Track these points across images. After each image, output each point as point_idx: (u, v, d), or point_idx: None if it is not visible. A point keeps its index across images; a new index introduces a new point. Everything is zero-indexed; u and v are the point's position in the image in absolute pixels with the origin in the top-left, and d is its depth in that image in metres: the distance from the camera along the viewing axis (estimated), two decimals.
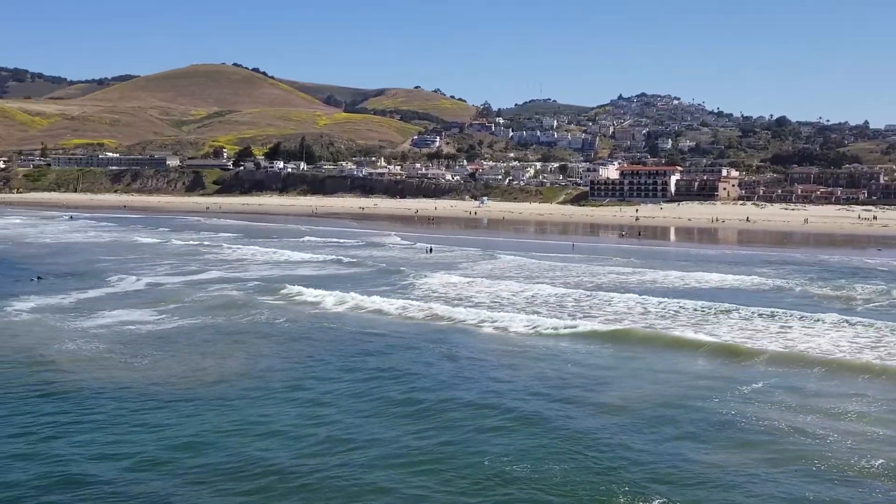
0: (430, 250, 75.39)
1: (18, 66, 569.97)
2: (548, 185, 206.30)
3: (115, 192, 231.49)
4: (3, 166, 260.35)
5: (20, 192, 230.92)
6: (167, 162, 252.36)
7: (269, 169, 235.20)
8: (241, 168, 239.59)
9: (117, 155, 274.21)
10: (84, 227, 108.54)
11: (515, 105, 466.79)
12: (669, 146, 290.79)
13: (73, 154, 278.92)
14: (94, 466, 19.28)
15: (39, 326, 35.49)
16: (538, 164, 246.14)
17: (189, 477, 18.70)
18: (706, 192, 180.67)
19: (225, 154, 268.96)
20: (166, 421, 22.80)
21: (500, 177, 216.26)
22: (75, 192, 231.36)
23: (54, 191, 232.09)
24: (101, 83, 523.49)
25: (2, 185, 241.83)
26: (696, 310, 41.13)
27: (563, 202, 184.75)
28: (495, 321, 38.28)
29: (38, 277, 51.00)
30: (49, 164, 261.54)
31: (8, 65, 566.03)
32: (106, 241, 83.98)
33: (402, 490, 18.10)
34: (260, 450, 20.52)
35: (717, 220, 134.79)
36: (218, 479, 18.56)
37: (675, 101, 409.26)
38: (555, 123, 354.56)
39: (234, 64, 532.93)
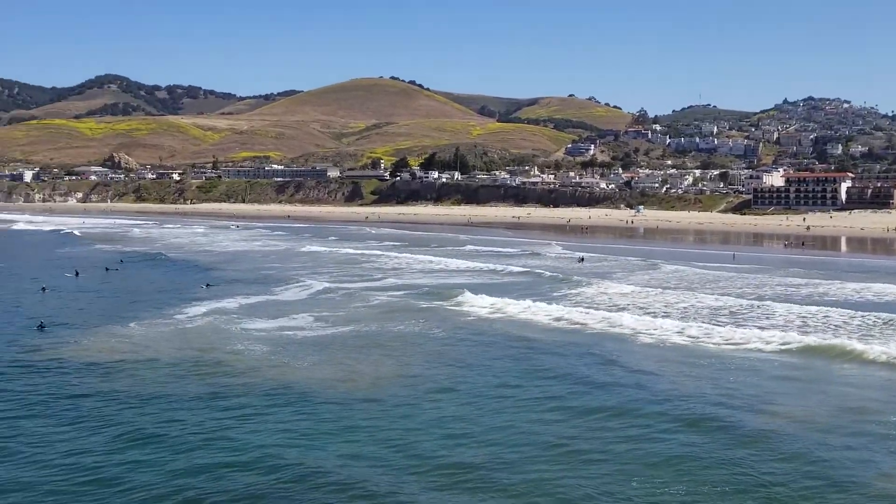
0: (582, 259, 74.19)
1: (193, 83, 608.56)
2: (707, 193, 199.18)
3: (280, 202, 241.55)
4: (178, 179, 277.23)
5: (193, 203, 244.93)
6: (328, 173, 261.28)
7: (424, 179, 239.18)
8: (398, 178, 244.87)
9: (282, 167, 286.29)
10: (251, 236, 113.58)
11: (673, 111, 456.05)
12: (839, 152, 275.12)
13: (241, 166, 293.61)
14: (254, 462, 20.12)
15: (210, 330, 37.17)
16: (697, 172, 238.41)
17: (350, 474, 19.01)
18: (880, 200, 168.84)
19: (382, 165, 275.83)
20: (325, 419, 23.81)
21: (656, 185, 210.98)
22: (243, 202, 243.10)
23: (224, 201, 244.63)
24: (268, 98, 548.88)
25: (177, 197, 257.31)
26: (874, 322, 38.41)
27: (724, 211, 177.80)
28: (653, 330, 37.18)
29: (208, 284, 53.56)
30: (219, 176, 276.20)
31: (183, 82, 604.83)
32: (271, 250, 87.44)
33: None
34: (446, 448, 21.29)
35: (892, 229, 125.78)
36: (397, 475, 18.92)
37: (846, 105, 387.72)
38: (714, 129, 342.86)
39: (392, 77, 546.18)
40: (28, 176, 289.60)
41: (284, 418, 23.99)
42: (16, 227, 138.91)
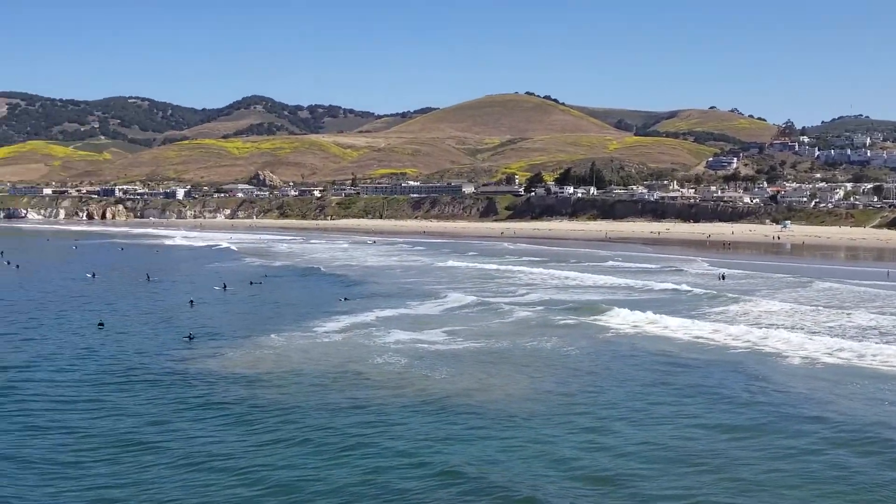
0: (723, 277, 71.31)
1: (333, 103, 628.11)
2: (860, 207, 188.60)
3: (416, 218, 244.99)
4: (319, 195, 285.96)
5: (333, 219, 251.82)
6: (462, 189, 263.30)
7: (559, 194, 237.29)
8: (532, 194, 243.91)
9: (418, 183, 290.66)
10: (388, 251, 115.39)
11: (822, 122, 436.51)
12: None
13: (378, 183, 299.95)
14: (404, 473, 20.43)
15: (348, 343, 37.75)
16: (848, 185, 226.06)
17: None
18: None
19: (516, 180, 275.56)
20: (462, 429, 24.09)
21: (804, 199, 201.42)
22: (380, 218, 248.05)
23: (362, 217, 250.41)
24: (404, 116, 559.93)
25: (318, 213, 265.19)
26: None
27: (878, 226, 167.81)
28: (801, 349, 35.34)
29: (346, 298, 54.47)
30: (358, 193, 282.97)
31: (324, 102, 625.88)
32: (408, 265, 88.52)
33: None
34: (584, 459, 21.24)
35: None
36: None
37: None
38: (867, 141, 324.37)
39: (527, 92, 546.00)
40: (180, 193, 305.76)
41: (423, 427, 24.36)
42: (168, 241, 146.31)
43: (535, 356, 35.26)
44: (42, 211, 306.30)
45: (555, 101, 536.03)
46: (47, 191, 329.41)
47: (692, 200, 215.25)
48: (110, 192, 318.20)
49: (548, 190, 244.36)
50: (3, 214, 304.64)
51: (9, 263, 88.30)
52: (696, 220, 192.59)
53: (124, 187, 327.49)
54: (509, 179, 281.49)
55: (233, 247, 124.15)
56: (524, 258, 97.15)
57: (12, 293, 60.11)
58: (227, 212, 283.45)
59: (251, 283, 67.48)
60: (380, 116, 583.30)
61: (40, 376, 31.60)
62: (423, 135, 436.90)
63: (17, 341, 39.38)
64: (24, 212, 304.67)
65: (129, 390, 29.38)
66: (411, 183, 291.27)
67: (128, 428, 24.68)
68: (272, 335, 39.81)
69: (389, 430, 24.11)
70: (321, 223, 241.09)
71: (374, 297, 56.18)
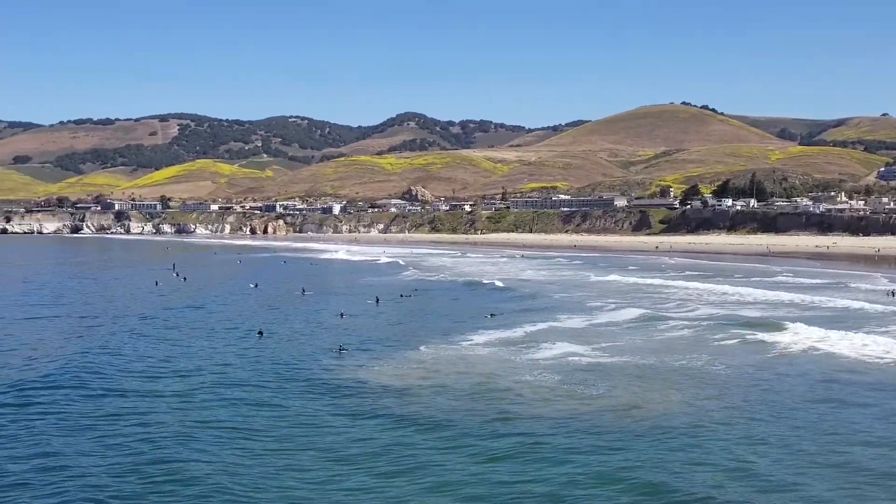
0: (894, 294, 66.19)
1: (484, 117, 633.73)
2: None
3: (566, 232, 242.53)
4: (469, 210, 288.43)
5: (483, 233, 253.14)
6: (614, 202, 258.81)
7: (717, 207, 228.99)
8: (688, 206, 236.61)
9: (568, 197, 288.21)
10: (537, 265, 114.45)
11: None
12: None
13: (529, 197, 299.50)
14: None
15: (495, 357, 37.22)
16: None
17: None
18: None
19: (671, 193, 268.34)
20: (618, 449, 23.17)
21: None
22: (530, 232, 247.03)
23: (512, 231, 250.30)
24: (556, 129, 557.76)
25: (468, 227, 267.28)
26: None
27: None
28: None
29: (492, 314, 53.93)
30: (508, 207, 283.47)
31: (475, 117, 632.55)
32: (557, 278, 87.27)
33: None
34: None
35: None
36: None
37: None
38: None
39: (683, 102, 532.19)
40: (336, 209, 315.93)
41: (573, 444, 23.63)
42: (324, 255, 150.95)
43: (703, 372, 33.81)
44: (209, 226, 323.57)
45: (713, 110, 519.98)
46: (214, 207, 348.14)
47: (861, 213, 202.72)
48: (272, 208, 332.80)
49: (704, 202, 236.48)
50: (174, 229, 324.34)
51: (177, 275, 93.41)
52: (866, 234, 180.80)
53: (284, 203, 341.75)
54: (664, 192, 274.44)
55: (385, 261, 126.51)
56: (686, 272, 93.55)
57: (182, 304, 63.17)
58: (381, 226, 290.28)
59: (402, 296, 68.24)
60: (531, 130, 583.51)
61: (211, 380, 33.26)
62: (575, 148, 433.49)
63: (188, 348, 41.50)
64: (193, 227, 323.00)
65: (284, 396, 30.24)
66: (562, 196, 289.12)
67: (286, 426, 25.85)
68: (420, 347, 39.91)
69: (543, 443, 23.67)
70: (471, 237, 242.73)
71: (522, 312, 55.45)
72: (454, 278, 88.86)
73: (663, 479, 20.48)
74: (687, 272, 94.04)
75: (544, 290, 72.92)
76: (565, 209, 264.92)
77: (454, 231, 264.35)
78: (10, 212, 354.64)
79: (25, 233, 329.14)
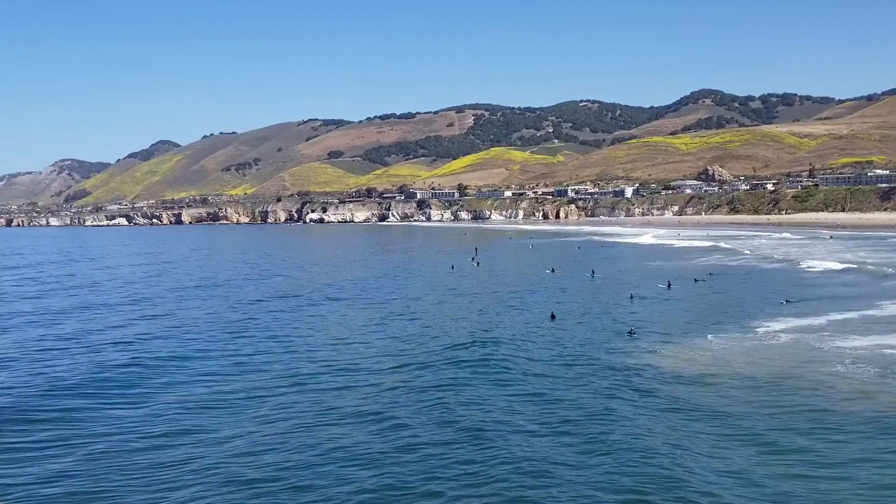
0: None
1: (788, 90, 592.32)
2: None
3: (885, 210, 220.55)
4: (772, 189, 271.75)
5: (788, 213, 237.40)
6: None
7: None
8: None
9: (886, 172, 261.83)
10: (847, 247, 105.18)
11: None
12: None
13: (840, 173, 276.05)
14: None
15: (794, 347, 34.94)
16: None
17: None
18: None
19: None
20: None
21: None
22: (842, 211, 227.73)
23: (821, 210, 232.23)
24: (870, 98, 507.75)
25: (771, 207, 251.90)
26: None
27: None
28: None
29: (787, 301, 50.58)
30: (816, 185, 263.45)
31: (777, 90, 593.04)
32: (873, 261, 79.27)
33: None
34: None
35: None
36: None
37: None
38: None
39: None
40: (628, 192, 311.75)
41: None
42: (615, 239, 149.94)
43: None
44: (503, 212, 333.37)
45: None
46: (508, 193, 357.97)
47: None
48: (563, 193, 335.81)
49: None
50: (471, 216, 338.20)
51: (472, 259, 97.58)
52: None
53: (576, 188, 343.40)
54: None
55: (679, 244, 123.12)
56: None
57: (473, 288, 65.89)
58: (675, 208, 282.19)
59: (695, 280, 66.09)
60: (841, 101, 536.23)
61: (519, 354, 35.12)
62: (893, 118, 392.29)
63: (488, 325, 43.73)
64: (488, 213, 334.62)
65: (577, 376, 30.62)
66: (878, 172, 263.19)
67: (570, 407, 26.06)
68: (712, 333, 38.55)
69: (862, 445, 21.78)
70: (774, 218, 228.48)
71: (830, 299, 51.34)
72: (751, 262, 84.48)
73: None
74: None
75: (855, 274, 67.03)
76: (883, 185, 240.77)
77: (755, 212, 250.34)
78: (326, 203, 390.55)
79: (339, 222, 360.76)
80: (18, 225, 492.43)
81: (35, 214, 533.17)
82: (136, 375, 32.30)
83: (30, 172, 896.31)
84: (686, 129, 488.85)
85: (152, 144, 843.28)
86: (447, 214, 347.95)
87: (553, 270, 78.91)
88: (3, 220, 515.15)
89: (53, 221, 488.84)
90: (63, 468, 20.89)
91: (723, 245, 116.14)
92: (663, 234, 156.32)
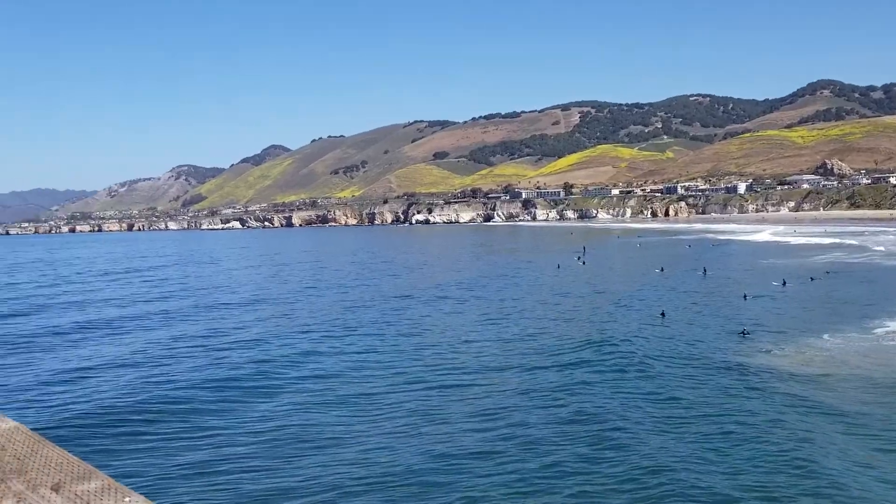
0: None
1: None
2: None
3: None
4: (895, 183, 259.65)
5: None
6: None
7: None
8: None
9: None
10: None
11: None
12: None
13: None
14: None
15: None
16: None
17: None
18: None
19: None
20: None
21: None
22: None
23: None
24: None
25: (895, 202, 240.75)
26: None
27: None
28: None
29: None
30: None
31: None
32: None
33: None
34: None
35: None
36: None
37: None
38: None
39: None
40: (741, 188, 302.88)
41: None
42: (727, 237, 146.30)
43: None
44: (610, 210, 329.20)
45: None
46: (615, 191, 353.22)
47: None
48: (672, 190, 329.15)
49: None
50: (577, 215, 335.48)
51: (578, 259, 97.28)
52: None
53: (686, 184, 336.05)
54: None
55: (795, 241, 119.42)
56: None
57: (581, 287, 65.70)
58: (791, 204, 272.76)
59: (811, 279, 64.12)
60: None
61: (635, 352, 35.07)
62: None
63: (601, 325, 43.74)
64: (595, 212, 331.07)
65: (692, 375, 30.50)
66: None
67: (690, 405, 26.01)
68: (824, 335, 37.50)
69: None
70: None
71: None
72: (874, 259, 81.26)
73: None
74: None
75: None
76: None
77: (877, 206, 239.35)
78: (432, 204, 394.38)
79: (445, 222, 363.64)
80: (139, 229, 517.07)
81: (154, 219, 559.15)
82: (258, 374, 33.68)
83: (149, 178, 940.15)
84: (802, 121, 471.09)
85: (264, 149, 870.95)
86: (553, 214, 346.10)
87: (662, 270, 77.81)
88: (125, 225, 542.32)
89: (172, 225, 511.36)
90: (188, 461, 22.09)
91: (843, 241, 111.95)
92: (779, 232, 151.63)
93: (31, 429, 4.48)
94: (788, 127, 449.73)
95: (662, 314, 46.02)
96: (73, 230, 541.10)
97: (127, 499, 2.32)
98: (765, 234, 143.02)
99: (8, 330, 48.94)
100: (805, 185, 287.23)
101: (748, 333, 38.55)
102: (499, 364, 33.81)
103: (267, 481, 20.15)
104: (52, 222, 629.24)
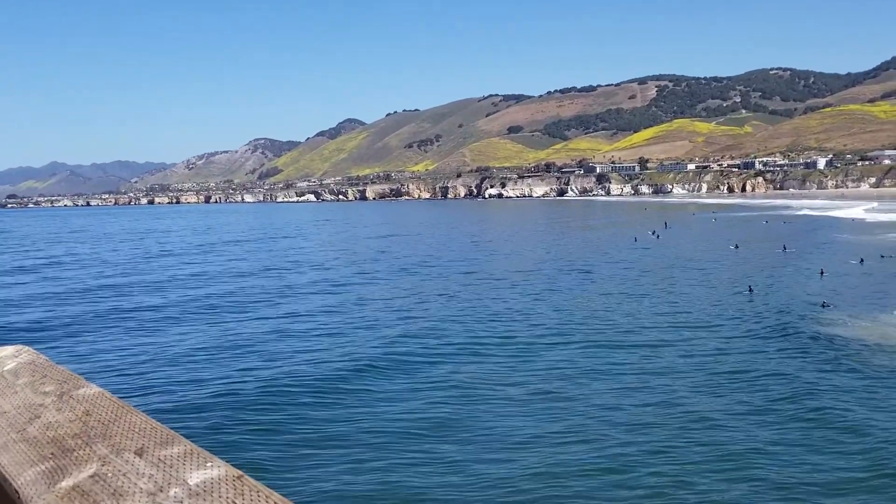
0: None
1: None
2: None
3: None
4: None
5: None
6: None
7: None
8: None
9: None
10: None
11: None
12: None
13: None
14: None
15: None
16: None
17: None
18: None
19: None
20: None
21: None
22: None
23: None
24: None
25: None
26: None
27: None
28: None
29: None
30: None
31: None
32: None
33: None
34: None
35: None
36: None
37: None
38: None
39: None
40: (821, 163, 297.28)
41: None
42: (805, 213, 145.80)
43: None
44: (686, 185, 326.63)
45: None
46: (691, 166, 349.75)
47: None
48: (750, 165, 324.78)
49: None
50: (651, 190, 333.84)
51: (653, 233, 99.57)
52: None
53: (764, 159, 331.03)
54: None
55: (871, 218, 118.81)
56: None
57: (657, 262, 67.83)
58: (872, 180, 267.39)
59: (882, 256, 65.28)
60: None
61: (722, 330, 36.38)
62: None
63: (679, 299, 45.71)
64: (670, 187, 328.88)
65: (783, 348, 31.90)
66: None
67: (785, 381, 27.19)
68: (894, 311, 39.07)
69: None
70: None
71: None
72: None
73: None
74: None
75: None
76: None
77: None
78: (505, 178, 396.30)
79: (518, 196, 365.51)
80: (216, 201, 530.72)
81: (231, 191, 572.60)
82: (406, 353, 32.26)
83: (226, 151, 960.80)
84: (886, 95, 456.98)
85: (339, 123, 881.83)
86: (627, 189, 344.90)
87: (736, 247, 78.99)
88: (202, 197, 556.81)
89: (248, 198, 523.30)
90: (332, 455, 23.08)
91: None
92: (860, 208, 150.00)
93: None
94: (871, 101, 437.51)
95: (750, 289, 47.73)
96: (151, 202, 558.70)
97: (209, 463, 2.35)
98: (844, 211, 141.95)
99: (156, 302, 53.41)
100: (887, 161, 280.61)
101: (827, 306, 40.80)
102: (589, 339, 35.42)
103: (433, 478, 18.16)
104: (131, 194, 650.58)
